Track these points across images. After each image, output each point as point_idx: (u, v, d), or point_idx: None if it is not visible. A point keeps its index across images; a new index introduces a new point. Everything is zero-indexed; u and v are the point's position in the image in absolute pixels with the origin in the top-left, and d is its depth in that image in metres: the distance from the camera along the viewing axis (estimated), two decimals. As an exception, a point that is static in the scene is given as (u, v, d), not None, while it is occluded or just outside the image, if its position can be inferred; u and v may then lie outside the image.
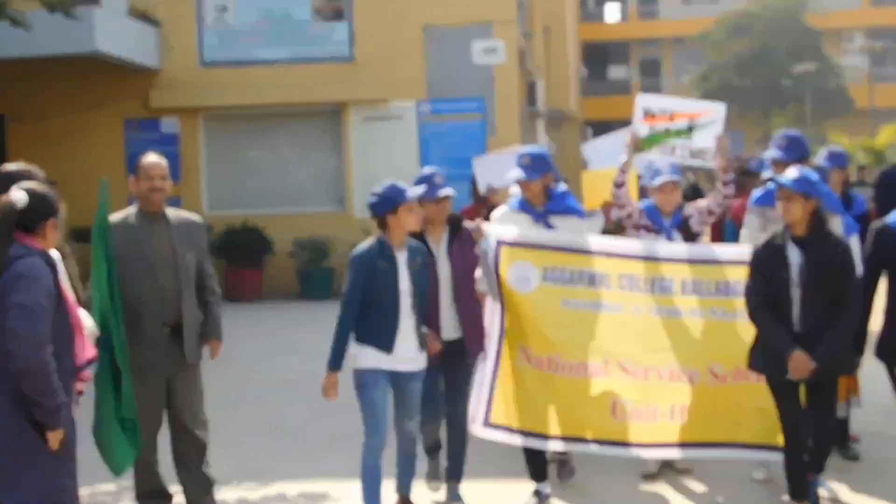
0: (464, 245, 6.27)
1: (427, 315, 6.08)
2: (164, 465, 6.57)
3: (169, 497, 6.66)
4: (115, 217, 6.49)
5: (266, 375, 10.38)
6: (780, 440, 5.94)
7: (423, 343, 5.85)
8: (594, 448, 6.45)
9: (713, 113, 6.78)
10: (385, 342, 5.64)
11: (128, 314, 6.21)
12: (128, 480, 6.32)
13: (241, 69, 19.98)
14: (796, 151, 7.12)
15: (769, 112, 43.03)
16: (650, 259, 6.41)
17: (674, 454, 6.61)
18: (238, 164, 20.27)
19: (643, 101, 6.99)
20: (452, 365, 6.32)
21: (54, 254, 5.03)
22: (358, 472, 6.02)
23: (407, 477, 6.06)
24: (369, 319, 5.68)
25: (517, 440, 6.41)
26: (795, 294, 5.61)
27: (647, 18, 55.71)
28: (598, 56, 53.63)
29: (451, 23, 19.68)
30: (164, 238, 6.52)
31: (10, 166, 5.58)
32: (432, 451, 6.73)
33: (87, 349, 4.92)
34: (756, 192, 7.30)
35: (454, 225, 6.33)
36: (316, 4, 20.08)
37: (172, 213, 6.64)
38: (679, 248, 6.63)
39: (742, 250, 6.49)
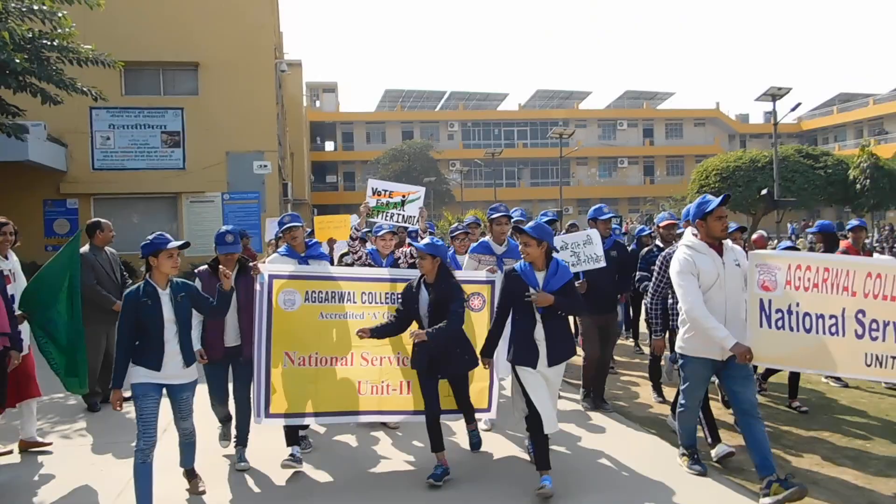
0: (247, 279, 5.16)
1: (216, 326, 5.03)
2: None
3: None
4: (83, 249, 6.68)
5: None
6: (482, 405, 5.52)
7: (189, 360, 4.47)
8: (347, 419, 5.45)
9: (418, 192, 6.06)
10: (153, 363, 4.29)
11: (104, 294, 6.75)
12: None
13: (118, 173, 19.27)
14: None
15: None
16: (382, 281, 5.43)
17: (403, 419, 5.64)
18: (115, 227, 19.43)
19: (372, 183, 6.12)
20: (235, 362, 5.21)
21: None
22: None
23: (189, 456, 4.73)
24: (140, 344, 4.29)
25: (293, 422, 5.24)
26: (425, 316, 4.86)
27: (347, 150, 55.51)
28: (320, 169, 53.30)
29: (242, 150, 19.74)
30: (107, 260, 7.13)
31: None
32: (225, 421, 5.58)
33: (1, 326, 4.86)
34: (473, 245, 6.33)
35: (242, 266, 5.20)
36: (163, 138, 19.51)
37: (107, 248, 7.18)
38: (402, 272, 5.58)
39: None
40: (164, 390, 4.44)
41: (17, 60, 10.19)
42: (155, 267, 4.36)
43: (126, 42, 17.24)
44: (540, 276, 4.59)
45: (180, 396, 4.53)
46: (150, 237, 4.43)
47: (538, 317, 4.58)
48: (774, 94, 20.22)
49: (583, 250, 6.14)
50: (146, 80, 20.03)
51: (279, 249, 5.91)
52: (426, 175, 44.41)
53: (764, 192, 20.60)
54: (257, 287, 5.14)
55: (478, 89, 65.06)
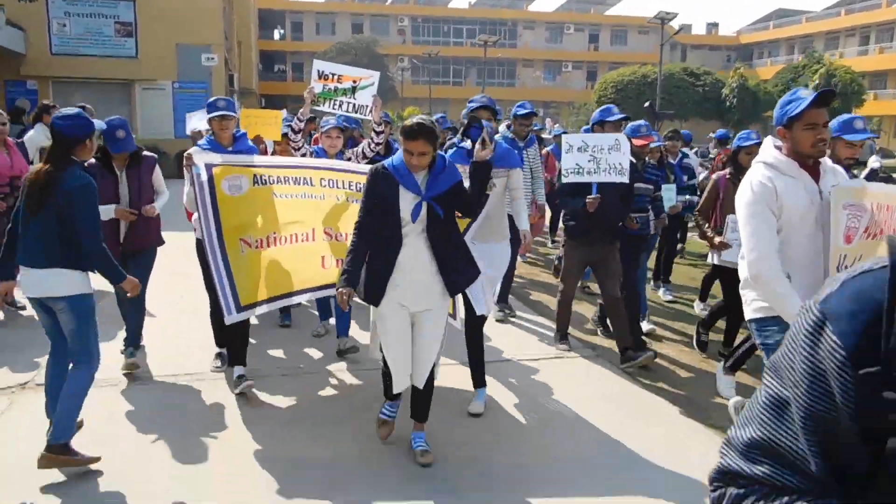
0: (138, 169, 4.78)
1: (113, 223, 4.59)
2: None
3: None
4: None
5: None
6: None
7: None
8: (317, 293, 4.92)
9: (370, 78, 5.19)
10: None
11: None
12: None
13: (74, 58, 20.90)
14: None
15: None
16: (342, 171, 4.77)
17: None
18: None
19: (318, 65, 5.20)
20: (132, 260, 4.77)
21: None
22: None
23: None
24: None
25: (268, 307, 4.67)
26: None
27: (295, 41, 55.53)
28: (268, 59, 53.24)
29: (190, 43, 21.46)
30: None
31: None
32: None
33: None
34: (450, 153, 4.72)
35: (133, 156, 4.77)
36: (116, 28, 21.17)
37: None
38: (358, 166, 4.90)
39: None
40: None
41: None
42: (88, 149, 3.70)
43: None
44: (420, 177, 3.49)
45: None
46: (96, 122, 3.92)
47: (412, 229, 3.49)
48: (663, 18, 23.11)
49: (606, 157, 4.83)
50: (99, -29, 21.67)
51: (199, 142, 4.93)
52: (372, 68, 44.53)
53: (647, 104, 23.98)
54: (193, 178, 4.41)
55: (430, -17, 65.12)
